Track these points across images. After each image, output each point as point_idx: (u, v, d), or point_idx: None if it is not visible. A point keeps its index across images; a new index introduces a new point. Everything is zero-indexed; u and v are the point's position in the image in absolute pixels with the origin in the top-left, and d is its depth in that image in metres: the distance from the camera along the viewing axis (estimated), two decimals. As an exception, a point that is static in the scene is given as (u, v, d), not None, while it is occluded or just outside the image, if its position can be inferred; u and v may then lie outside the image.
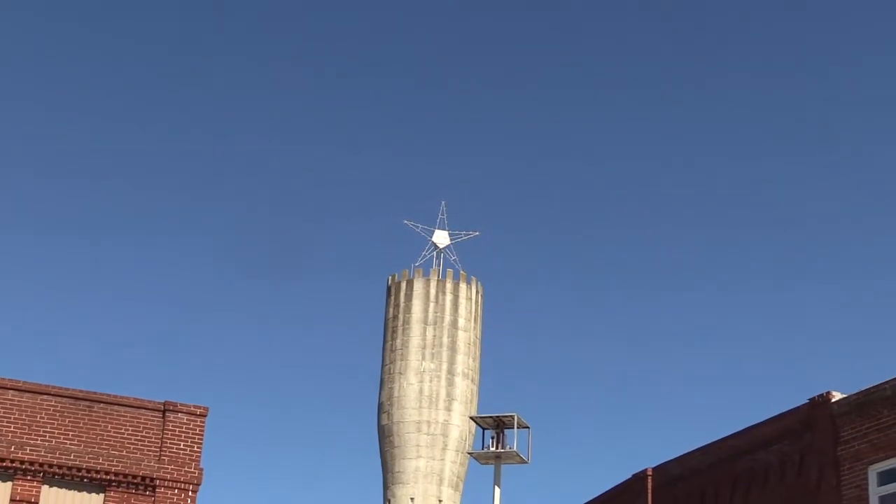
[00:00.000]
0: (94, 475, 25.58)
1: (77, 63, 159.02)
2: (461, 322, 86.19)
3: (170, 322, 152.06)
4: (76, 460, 25.46)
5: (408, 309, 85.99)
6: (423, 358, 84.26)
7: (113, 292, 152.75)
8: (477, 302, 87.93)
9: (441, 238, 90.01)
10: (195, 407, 26.92)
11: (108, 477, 25.66)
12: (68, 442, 25.57)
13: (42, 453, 25.21)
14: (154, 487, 25.96)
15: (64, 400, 25.92)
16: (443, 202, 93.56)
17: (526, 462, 34.89)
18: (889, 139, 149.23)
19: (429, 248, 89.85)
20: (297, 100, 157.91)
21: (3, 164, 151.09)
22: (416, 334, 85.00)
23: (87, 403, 26.11)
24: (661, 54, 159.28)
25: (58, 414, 25.74)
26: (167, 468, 26.13)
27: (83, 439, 25.74)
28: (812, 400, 26.26)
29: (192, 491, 26.31)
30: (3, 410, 25.31)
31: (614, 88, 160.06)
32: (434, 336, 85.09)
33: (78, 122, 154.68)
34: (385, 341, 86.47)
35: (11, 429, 25.22)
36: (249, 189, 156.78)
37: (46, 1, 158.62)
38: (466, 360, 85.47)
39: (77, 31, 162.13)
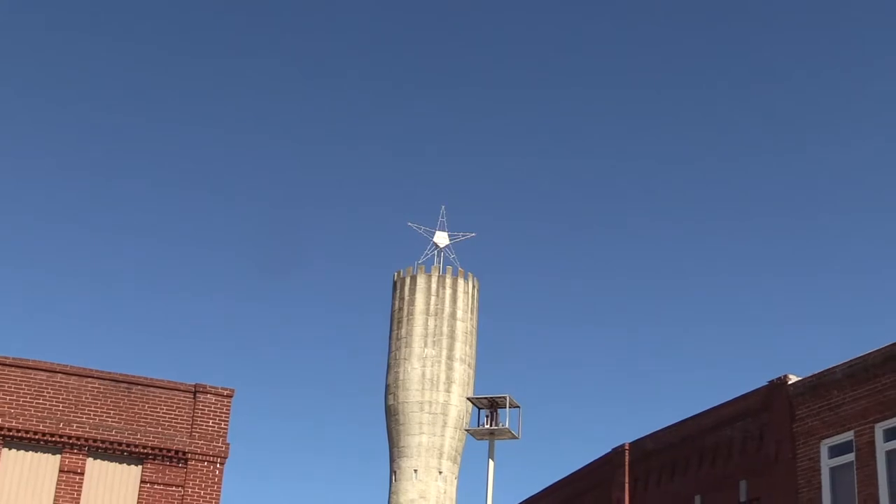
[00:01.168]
0: (133, 449, 25.54)
1: (107, 71, 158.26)
2: (459, 313, 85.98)
3: (200, 313, 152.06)
4: (117, 436, 25.42)
5: (412, 301, 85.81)
6: (426, 345, 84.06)
7: (150, 286, 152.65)
8: (473, 296, 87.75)
9: (441, 238, 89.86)
10: (222, 389, 26.80)
11: (146, 451, 25.62)
12: (110, 419, 25.51)
13: (87, 429, 25.20)
14: (186, 460, 25.89)
15: (106, 382, 25.84)
16: (443, 206, 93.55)
17: (517, 438, 34.72)
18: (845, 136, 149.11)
19: (430, 248, 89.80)
20: (319, 111, 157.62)
21: (58, 168, 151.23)
22: (419, 324, 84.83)
23: (127, 385, 26.03)
24: (647, 58, 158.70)
25: (101, 395, 25.69)
26: (197, 443, 26.07)
27: (123, 417, 25.69)
28: (771, 382, 26.29)
29: (220, 463, 26.24)
30: (52, 391, 25.29)
31: (598, 91, 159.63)
32: (435, 326, 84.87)
33: (123, 130, 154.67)
34: (391, 330, 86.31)
35: (60, 408, 25.20)
36: (275, 195, 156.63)
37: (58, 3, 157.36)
38: (464, 348, 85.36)
39: (93, 36, 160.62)
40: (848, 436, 23.99)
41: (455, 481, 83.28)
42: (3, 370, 25.13)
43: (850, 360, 24.27)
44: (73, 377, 25.64)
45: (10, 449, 24.82)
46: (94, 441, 25.30)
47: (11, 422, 24.72)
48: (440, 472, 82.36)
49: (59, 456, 25.11)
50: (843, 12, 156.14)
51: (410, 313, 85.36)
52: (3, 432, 24.65)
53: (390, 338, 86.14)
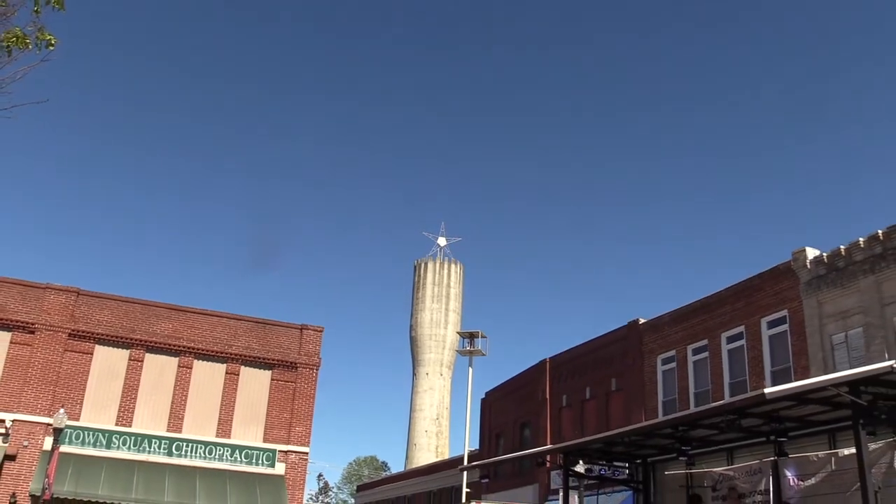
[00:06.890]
0: (266, 361, 25.76)
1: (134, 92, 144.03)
2: (452, 283, 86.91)
3: (298, 280, 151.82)
4: (258, 353, 25.65)
5: (424, 277, 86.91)
6: (433, 302, 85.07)
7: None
8: (460, 274, 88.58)
9: (442, 241, 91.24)
10: (317, 326, 26.82)
11: (274, 362, 25.82)
12: (254, 343, 25.72)
13: (241, 350, 25.46)
14: (296, 367, 26.01)
15: (251, 323, 26.02)
16: (442, 222, 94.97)
17: (485, 355, 34.84)
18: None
19: (435, 247, 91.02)
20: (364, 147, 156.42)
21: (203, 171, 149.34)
22: (429, 290, 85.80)
23: (263, 325, 26.14)
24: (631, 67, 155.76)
25: (249, 329, 25.88)
26: (302, 358, 26.17)
27: (261, 343, 25.86)
28: (629, 322, 26.71)
29: (316, 370, 26.33)
30: (221, 328, 25.54)
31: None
32: (438, 291, 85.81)
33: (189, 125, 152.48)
34: (413, 293, 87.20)
35: (224, 337, 25.46)
36: (355, 213, 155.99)
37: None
38: (455, 303, 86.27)
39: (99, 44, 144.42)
40: (672, 353, 24.49)
41: (450, 379, 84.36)
42: (194, 316, 25.47)
43: (674, 310, 24.74)
44: (233, 320, 25.88)
45: (198, 360, 25.21)
46: (245, 356, 25.55)
47: (199, 346, 25.14)
48: (441, 375, 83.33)
49: (225, 365, 25.42)
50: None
51: (424, 284, 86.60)
52: (195, 351, 25.05)
53: (412, 298, 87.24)
